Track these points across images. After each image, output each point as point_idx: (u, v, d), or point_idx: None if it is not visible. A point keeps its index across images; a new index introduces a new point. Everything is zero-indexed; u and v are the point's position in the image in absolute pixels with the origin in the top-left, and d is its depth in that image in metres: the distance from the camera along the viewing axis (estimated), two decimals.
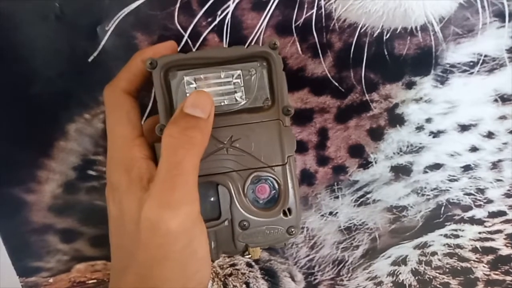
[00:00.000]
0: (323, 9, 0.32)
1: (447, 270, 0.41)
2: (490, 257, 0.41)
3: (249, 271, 0.40)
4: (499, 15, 0.33)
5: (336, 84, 0.35)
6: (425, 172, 0.38)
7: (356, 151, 0.37)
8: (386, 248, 0.40)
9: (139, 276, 0.25)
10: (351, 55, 0.34)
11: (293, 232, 0.29)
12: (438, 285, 0.41)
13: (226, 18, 0.32)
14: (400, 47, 0.34)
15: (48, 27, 0.32)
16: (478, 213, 0.39)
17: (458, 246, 0.40)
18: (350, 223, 0.39)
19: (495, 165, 0.38)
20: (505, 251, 0.40)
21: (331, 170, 0.37)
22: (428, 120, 0.36)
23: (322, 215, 0.39)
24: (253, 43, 0.33)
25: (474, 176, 0.38)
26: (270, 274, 0.41)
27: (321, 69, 0.34)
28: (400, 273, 0.41)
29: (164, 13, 0.32)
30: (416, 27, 0.33)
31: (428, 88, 0.35)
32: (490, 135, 0.37)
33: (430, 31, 0.33)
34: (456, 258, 0.41)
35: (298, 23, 0.33)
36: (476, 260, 0.41)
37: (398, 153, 0.37)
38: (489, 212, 0.39)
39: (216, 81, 0.28)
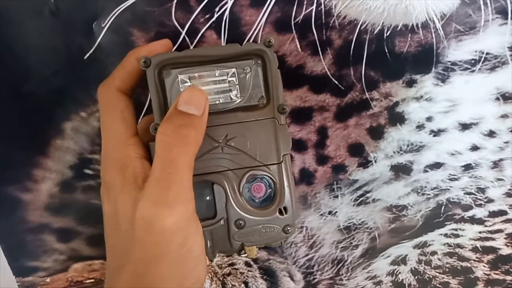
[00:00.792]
0: (322, 6, 0.32)
1: (447, 269, 0.41)
2: (491, 256, 0.40)
3: (248, 271, 0.40)
4: (502, 12, 0.33)
5: (336, 82, 0.35)
6: (426, 171, 0.38)
7: (356, 150, 0.37)
8: (386, 248, 0.40)
9: (134, 275, 0.25)
10: (351, 53, 0.34)
11: (289, 230, 0.29)
12: (438, 285, 0.41)
13: (224, 15, 0.32)
14: (401, 45, 0.34)
15: (42, 23, 0.32)
16: (479, 212, 0.39)
17: (458, 245, 0.40)
18: (350, 223, 0.39)
19: (496, 164, 0.37)
20: (505, 251, 0.40)
21: (330, 169, 0.37)
22: (429, 119, 0.36)
23: (322, 215, 0.39)
24: (251, 40, 0.33)
25: (474, 175, 0.38)
26: (269, 274, 0.41)
27: (320, 66, 0.34)
28: (399, 272, 0.41)
29: (161, 9, 0.32)
30: (417, 24, 0.33)
31: (429, 86, 0.35)
32: (491, 134, 0.36)
33: (431, 28, 0.33)
34: (456, 257, 0.40)
35: (297, 19, 0.33)
36: (476, 259, 0.41)
37: (398, 152, 0.37)
38: (489, 212, 0.39)
39: (210, 79, 0.28)
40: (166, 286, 0.25)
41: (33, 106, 0.34)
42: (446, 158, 0.37)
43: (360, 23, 0.33)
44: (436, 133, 0.36)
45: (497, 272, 0.41)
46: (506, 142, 0.37)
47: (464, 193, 0.38)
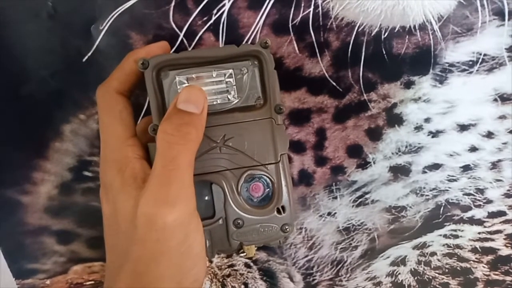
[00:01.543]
0: (320, 8, 0.32)
1: (447, 270, 0.41)
2: (490, 257, 0.40)
3: (248, 272, 0.40)
4: (499, 14, 0.33)
5: (334, 83, 0.35)
6: (424, 172, 0.37)
7: (355, 151, 0.37)
8: (385, 249, 0.40)
9: (134, 274, 0.25)
10: (349, 54, 0.34)
11: (287, 230, 0.29)
12: (437, 286, 0.41)
13: (222, 17, 0.32)
14: (399, 46, 0.34)
15: (40, 26, 0.32)
16: (478, 213, 0.39)
17: (458, 246, 0.40)
18: (349, 224, 0.39)
19: (494, 165, 0.37)
20: (505, 251, 0.40)
21: (329, 170, 0.37)
22: (427, 120, 0.36)
23: (321, 216, 0.39)
24: (249, 42, 0.33)
25: (473, 176, 0.38)
26: (268, 275, 0.41)
27: (318, 68, 0.34)
28: (399, 273, 0.41)
29: (159, 11, 0.32)
30: (414, 26, 0.33)
31: (427, 87, 0.35)
32: (489, 135, 0.36)
33: (429, 29, 0.33)
34: (455, 258, 0.40)
35: (295, 22, 0.33)
36: (476, 260, 0.40)
37: (397, 153, 0.37)
38: (488, 212, 0.39)
39: (208, 81, 0.29)
40: (165, 285, 0.25)
41: (31, 108, 0.34)
42: (445, 159, 0.37)
43: (358, 25, 0.33)
44: (435, 134, 0.36)
45: (496, 272, 0.41)
46: (505, 143, 0.37)
47: (463, 194, 0.38)
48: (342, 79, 0.35)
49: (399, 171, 0.38)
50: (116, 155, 0.27)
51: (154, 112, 0.28)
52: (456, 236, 0.40)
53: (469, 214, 0.39)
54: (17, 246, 0.38)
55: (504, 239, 0.40)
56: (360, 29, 0.33)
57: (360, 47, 0.33)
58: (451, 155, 0.37)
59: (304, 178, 0.37)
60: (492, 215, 0.39)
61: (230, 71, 0.28)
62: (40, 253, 0.39)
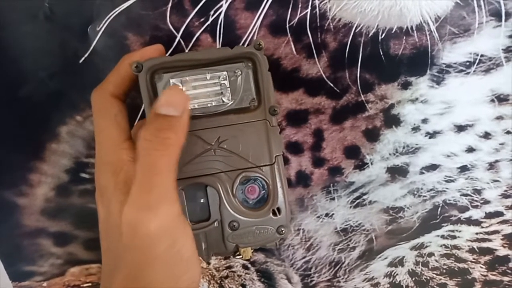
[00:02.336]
0: (317, 9, 0.32)
1: (444, 271, 0.41)
2: (487, 257, 0.40)
3: (245, 273, 0.40)
4: (496, 14, 0.33)
5: (331, 84, 0.35)
6: (422, 173, 0.38)
7: (352, 152, 0.37)
8: (383, 249, 0.40)
9: (128, 278, 0.25)
10: (346, 55, 0.34)
11: (283, 231, 0.29)
12: (435, 286, 0.41)
13: (219, 18, 0.32)
14: (396, 47, 0.34)
15: (37, 27, 0.32)
16: (475, 213, 0.39)
17: (455, 247, 0.40)
18: (347, 225, 0.39)
19: (492, 166, 0.37)
20: (502, 252, 0.40)
21: (326, 171, 0.37)
22: (424, 121, 0.36)
23: (318, 217, 0.39)
24: (246, 44, 0.33)
25: (471, 177, 0.38)
26: (266, 276, 0.41)
27: (316, 69, 0.34)
28: (397, 274, 0.41)
29: (156, 13, 0.32)
30: (411, 27, 0.33)
31: (424, 88, 0.35)
32: (486, 135, 0.36)
33: (426, 30, 0.33)
34: (453, 259, 0.40)
35: (292, 23, 0.33)
36: (473, 260, 0.41)
37: (394, 154, 0.37)
38: (486, 213, 0.39)
39: (202, 83, 0.29)
40: None
41: (28, 110, 0.34)
42: (442, 160, 0.37)
43: (355, 25, 0.33)
44: (432, 135, 0.36)
45: (494, 273, 0.41)
46: (502, 144, 0.37)
47: (460, 195, 0.38)
48: (340, 80, 0.35)
49: (397, 172, 0.38)
50: (110, 158, 0.27)
51: (149, 114, 0.28)
52: (454, 237, 0.40)
53: (466, 214, 0.39)
54: (14, 248, 0.38)
55: (502, 239, 0.40)
56: (357, 30, 0.33)
57: (357, 48, 0.33)
58: (448, 155, 0.37)
59: (302, 179, 0.37)
60: (489, 215, 0.39)
61: (224, 73, 0.28)
62: (37, 255, 0.38)
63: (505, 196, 0.38)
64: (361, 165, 0.37)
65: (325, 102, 0.35)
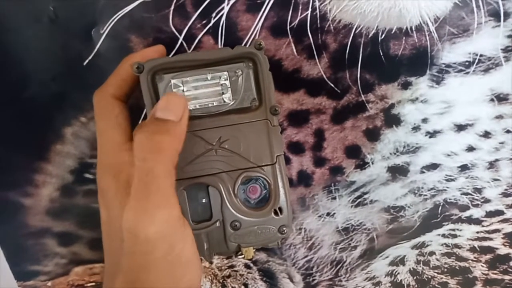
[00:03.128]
0: (317, 10, 0.32)
1: (445, 269, 0.41)
2: (488, 256, 0.40)
3: (248, 273, 0.40)
4: (494, 15, 0.33)
5: (332, 85, 0.35)
6: (422, 172, 0.38)
7: (353, 152, 0.37)
8: (384, 249, 0.40)
9: (128, 281, 0.25)
10: (347, 56, 0.34)
11: (285, 231, 0.29)
12: (436, 285, 0.41)
13: (221, 20, 0.32)
14: (396, 48, 0.34)
15: (42, 30, 0.32)
16: (476, 212, 0.39)
17: (456, 245, 0.40)
18: (348, 224, 0.39)
19: (492, 165, 0.37)
20: (503, 250, 0.40)
21: (328, 171, 0.37)
22: (425, 120, 0.36)
23: (320, 216, 0.39)
24: (247, 45, 0.33)
25: (471, 176, 0.38)
26: (268, 275, 0.41)
27: (316, 70, 0.34)
28: (398, 273, 0.41)
29: (159, 15, 0.32)
30: (411, 27, 0.33)
31: (424, 88, 0.35)
32: (486, 134, 0.37)
33: (425, 31, 0.33)
34: (454, 257, 0.40)
35: (293, 24, 0.33)
36: (474, 259, 0.40)
37: (395, 154, 0.37)
38: (486, 212, 0.39)
39: (203, 83, 0.29)
40: None
41: (33, 111, 0.35)
42: (442, 159, 0.37)
43: (355, 27, 0.33)
44: (432, 134, 0.37)
45: (495, 271, 0.41)
46: (502, 143, 0.37)
47: (461, 194, 0.38)
48: (340, 80, 0.35)
49: (397, 171, 0.38)
50: (112, 160, 0.27)
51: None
52: (455, 236, 0.40)
53: (467, 213, 0.39)
54: (18, 248, 0.38)
55: (502, 238, 0.40)
56: (357, 31, 0.33)
57: (357, 49, 0.33)
58: (448, 155, 0.37)
59: (303, 179, 0.38)
60: (490, 214, 0.39)
61: (225, 73, 0.28)
62: (42, 255, 0.39)
63: (505, 195, 0.38)
64: (362, 165, 0.37)
65: (326, 102, 0.35)
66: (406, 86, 0.35)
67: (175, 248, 0.25)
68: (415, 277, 0.41)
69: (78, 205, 0.37)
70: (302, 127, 0.36)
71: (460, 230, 0.39)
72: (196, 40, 0.33)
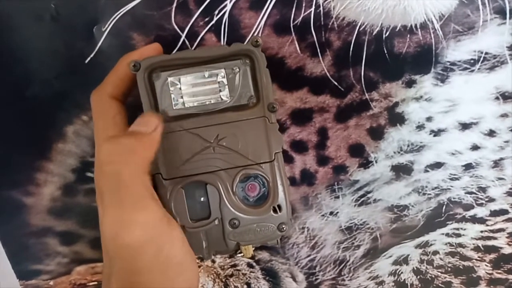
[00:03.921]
0: (321, 8, 0.32)
1: (449, 269, 0.41)
2: (493, 255, 0.40)
3: (250, 272, 0.40)
4: (500, 12, 0.33)
5: (336, 83, 0.35)
6: (426, 171, 0.37)
7: (356, 150, 0.37)
8: (388, 248, 0.40)
9: (122, 283, 0.25)
10: (350, 54, 0.34)
11: (284, 228, 0.29)
12: (440, 284, 0.41)
13: (223, 18, 0.32)
14: (400, 45, 0.34)
15: (43, 28, 0.32)
16: (480, 211, 0.39)
17: (460, 245, 0.40)
18: (351, 223, 0.39)
19: (496, 164, 0.37)
20: (507, 250, 0.40)
21: (331, 170, 0.37)
22: (429, 119, 0.36)
23: (323, 215, 0.39)
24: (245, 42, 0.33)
25: (475, 175, 0.38)
26: (271, 275, 0.41)
27: (320, 68, 0.34)
28: (401, 272, 0.41)
29: (161, 13, 0.32)
30: (415, 25, 0.33)
31: (429, 86, 0.35)
32: (491, 133, 0.36)
33: (430, 28, 0.33)
34: (458, 257, 0.40)
35: (296, 22, 0.33)
36: (478, 259, 0.40)
37: (399, 152, 0.37)
38: (491, 211, 0.39)
39: (200, 81, 0.29)
40: None
41: (34, 110, 0.35)
42: (447, 157, 0.37)
43: (359, 24, 0.33)
44: (436, 133, 0.36)
45: (499, 271, 0.41)
46: (506, 141, 0.37)
47: (465, 193, 0.38)
48: (344, 78, 0.34)
49: (401, 170, 0.37)
50: None
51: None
52: (459, 235, 0.40)
53: (471, 212, 0.39)
54: (20, 247, 0.38)
55: (507, 237, 0.40)
56: (361, 28, 0.33)
57: (361, 47, 0.33)
58: (453, 153, 0.37)
59: (306, 178, 0.37)
60: (494, 213, 0.39)
61: (222, 70, 0.28)
62: (44, 254, 0.39)
63: (510, 194, 0.38)
64: (365, 164, 0.37)
65: (330, 101, 0.35)
66: (410, 84, 0.35)
67: (162, 249, 0.25)
68: (418, 277, 0.41)
69: (80, 204, 0.37)
70: (306, 125, 0.36)
71: (464, 229, 0.39)
72: (199, 38, 0.33)
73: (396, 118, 0.36)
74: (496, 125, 0.36)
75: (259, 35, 0.33)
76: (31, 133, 0.35)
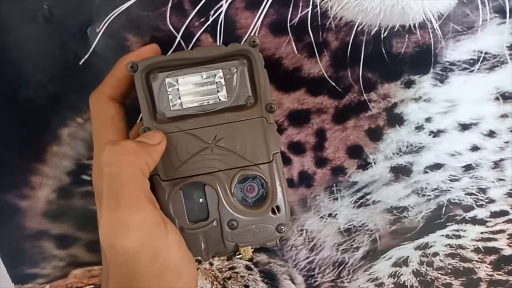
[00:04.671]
0: (318, 8, 0.32)
1: (449, 270, 0.41)
2: (493, 257, 0.40)
3: (249, 274, 0.40)
4: (500, 11, 0.33)
5: (333, 84, 0.34)
6: (426, 172, 0.37)
7: (355, 152, 0.37)
8: (387, 250, 0.40)
9: (119, 286, 0.25)
10: (348, 54, 0.33)
11: (283, 229, 0.29)
12: (440, 286, 0.41)
13: (219, 18, 0.32)
14: (398, 45, 0.33)
15: (37, 29, 0.32)
16: (480, 213, 0.39)
17: (460, 246, 0.40)
18: (350, 225, 0.39)
19: (496, 164, 0.37)
20: (508, 251, 0.40)
21: (329, 171, 0.37)
22: (428, 120, 0.36)
23: (321, 217, 0.39)
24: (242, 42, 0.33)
25: (475, 176, 0.38)
26: (269, 277, 0.40)
27: (317, 68, 0.34)
28: (401, 274, 0.41)
29: (156, 13, 0.32)
30: (414, 25, 0.33)
31: (428, 86, 0.35)
32: (491, 134, 0.36)
33: (429, 28, 0.33)
34: (458, 258, 0.40)
35: (293, 22, 0.33)
36: (479, 260, 0.40)
37: (398, 154, 0.37)
38: (491, 212, 0.39)
39: (197, 82, 0.29)
40: None
41: (29, 112, 0.34)
42: (446, 158, 0.37)
43: (357, 24, 0.33)
44: (436, 133, 0.36)
45: (500, 272, 0.41)
46: (507, 142, 0.36)
47: (465, 194, 0.38)
48: (342, 79, 0.34)
49: (400, 172, 0.37)
50: None
51: (145, 114, 0.28)
52: (459, 236, 0.39)
53: (471, 214, 0.39)
54: (16, 251, 0.38)
55: (507, 238, 0.40)
56: (359, 28, 0.33)
57: (359, 47, 0.33)
58: (452, 154, 0.37)
59: (304, 180, 0.37)
60: (494, 214, 0.39)
61: (220, 71, 0.28)
62: (40, 257, 0.39)
63: (510, 195, 0.38)
64: (364, 165, 0.37)
65: (327, 102, 0.35)
66: (409, 84, 0.35)
67: (159, 254, 0.25)
68: (418, 278, 0.41)
69: (75, 207, 0.37)
70: (303, 127, 0.36)
71: (464, 230, 0.39)
72: (194, 39, 0.32)
73: (395, 119, 0.36)
74: (496, 125, 0.36)
75: (256, 35, 0.32)
76: (25, 135, 0.35)
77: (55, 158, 0.36)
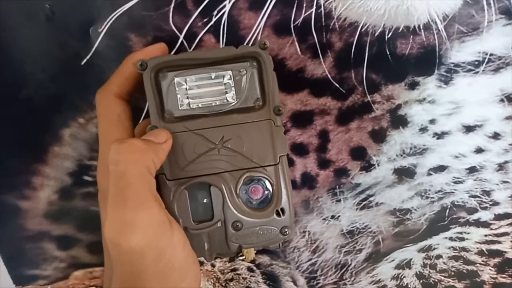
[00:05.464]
0: (322, 8, 0.32)
1: (453, 273, 0.40)
2: (497, 260, 0.40)
3: (251, 276, 0.40)
4: (506, 12, 0.33)
5: (337, 85, 0.34)
6: (429, 174, 0.37)
7: (358, 153, 0.36)
8: (390, 252, 0.40)
9: (123, 286, 0.25)
10: (352, 55, 0.33)
11: (287, 232, 0.29)
12: None
13: (222, 18, 0.32)
14: (403, 47, 0.33)
15: (38, 29, 0.32)
16: (484, 215, 0.39)
17: (464, 249, 0.40)
18: (353, 227, 0.39)
19: (501, 167, 0.37)
20: None
21: (332, 173, 0.37)
22: (432, 121, 0.36)
23: (324, 219, 0.39)
24: (250, 44, 0.32)
25: (479, 178, 0.37)
26: (271, 279, 0.40)
27: (321, 69, 0.34)
28: (404, 276, 0.40)
29: (158, 13, 0.32)
30: (419, 26, 0.33)
31: (432, 88, 0.35)
32: (496, 136, 0.36)
33: (434, 29, 0.33)
34: (461, 261, 0.40)
35: (297, 22, 0.32)
36: (482, 263, 0.40)
37: (401, 155, 0.37)
38: (495, 215, 0.39)
39: (206, 82, 0.29)
40: None
41: (30, 112, 0.34)
42: (450, 161, 0.37)
43: (361, 25, 0.32)
44: (440, 135, 0.36)
45: (503, 275, 0.40)
46: (511, 144, 0.36)
47: (469, 196, 0.38)
48: (345, 80, 0.34)
49: (404, 173, 0.37)
50: None
51: (153, 113, 0.28)
52: (462, 239, 0.39)
53: (475, 216, 0.39)
54: (17, 252, 0.38)
55: (511, 241, 0.39)
56: (363, 29, 0.33)
57: (363, 48, 0.33)
58: (456, 156, 0.37)
59: (307, 181, 0.37)
60: (498, 217, 0.39)
61: (229, 72, 0.29)
62: (41, 258, 0.38)
63: None
64: (367, 167, 0.37)
65: (331, 103, 0.35)
66: (413, 86, 0.35)
67: (164, 255, 0.25)
68: (421, 281, 0.41)
69: (77, 208, 0.37)
70: (306, 128, 0.36)
71: (468, 233, 0.39)
72: (197, 39, 0.32)
73: (399, 121, 0.36)
74: (500, 127, 0.36)
75: (259, 36, 0.32)
76: (26, 136, 0.35)
77: (57, 158, 0.36)
